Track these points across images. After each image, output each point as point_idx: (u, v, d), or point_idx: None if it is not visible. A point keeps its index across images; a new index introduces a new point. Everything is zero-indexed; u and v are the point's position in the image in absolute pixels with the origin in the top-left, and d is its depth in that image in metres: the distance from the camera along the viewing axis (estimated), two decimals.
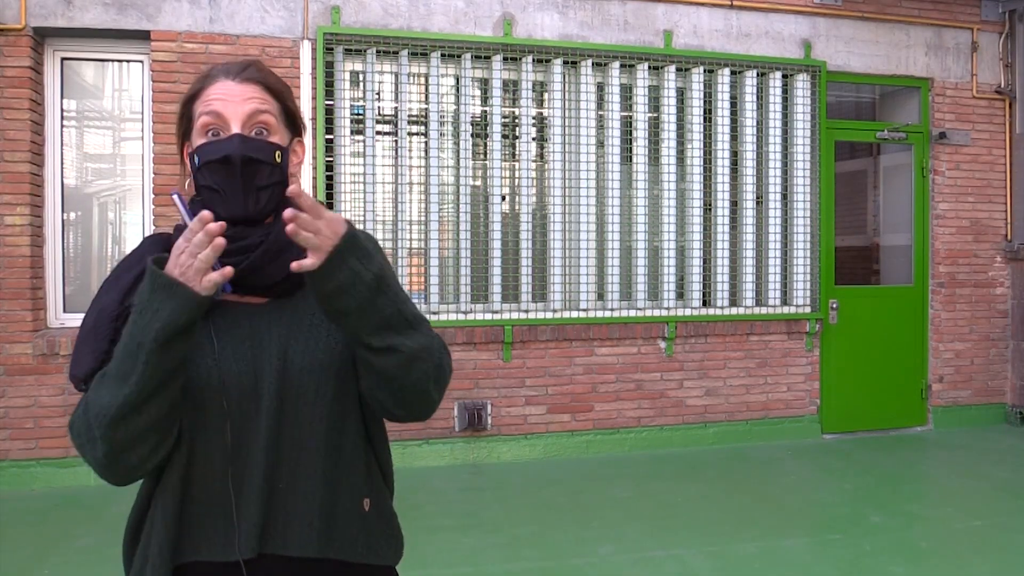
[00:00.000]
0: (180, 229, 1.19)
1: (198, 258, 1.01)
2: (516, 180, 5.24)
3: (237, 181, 1.11)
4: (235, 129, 1.13)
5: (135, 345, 1.01)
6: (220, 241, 1.01)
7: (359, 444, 1.21)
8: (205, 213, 1.01)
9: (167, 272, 1.02)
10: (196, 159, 1.14)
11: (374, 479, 1.24)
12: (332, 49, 4.81)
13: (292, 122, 1.22)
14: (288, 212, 1.00)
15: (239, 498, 1.11)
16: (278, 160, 1.15)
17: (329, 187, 4.77)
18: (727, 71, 5.41)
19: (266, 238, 1.14)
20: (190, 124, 1.17)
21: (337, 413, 1.17)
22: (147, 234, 4.70)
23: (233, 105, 1.13)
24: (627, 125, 5.30)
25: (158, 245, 1.20)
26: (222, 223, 1.02)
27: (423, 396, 1.17)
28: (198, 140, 1.15)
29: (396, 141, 4.98)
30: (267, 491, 1.11)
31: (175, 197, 1.09)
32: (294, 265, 1.03)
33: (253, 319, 1.16)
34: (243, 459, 1.11)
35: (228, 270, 1.03)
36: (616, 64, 5.19)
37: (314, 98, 4.71)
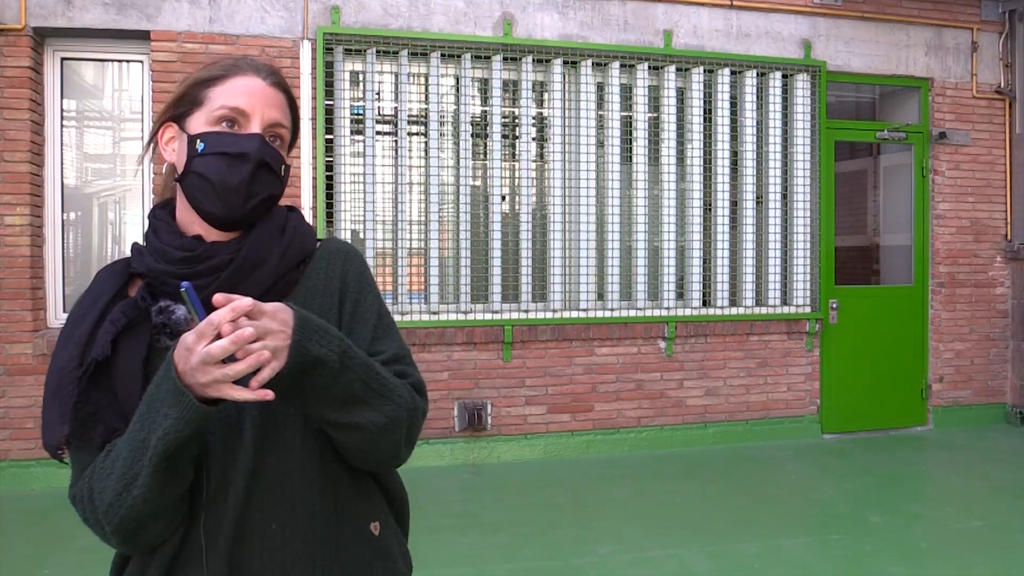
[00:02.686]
0: (137, 249, 1.11)
1: (223, 372, 0.88)
2: (516, 180, 5.24)
3: (244, 181, 1.05)
4: (256, 129, 1.08)
5: (140, 442, 0.94)
6: (264, 356, 0.89)
7: (358, 469, 1.13)
8: (243, 303, 0.88)
9: (184, 371, 0.90)
10: (201, 144, 1.06)
11: (380, 501, 1.17)
12: (332, 49, 4.81)
13: (293, 139, 1.18)
14: (229, 330, 0.87)
15: (217, 539, 1.02)
16: (282, 174, 1.12)
17: (329, 187, 4.77)
18: (727, 71, 5.41)
19: (236, 255, 1.06)
20: (193, 106, 1.10)
21: (326, 440, 1.07)
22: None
23: (260, 106, 1.09)
24: (627, 125, 5.30)
25: (113, 275, 1.10)
26: (247, 304, 0.88)
27: (390, 462, 1.12)
28: (208, 127, 1.07)
29: (396, 141, 4.98)
30: (253, 531, 1.03)
31: (186, 289, 0.90)
32: (253, 384, 0.90)
33: None
34: (222, 497, 1.03)
35: (267, 394, 0.90)
36: (616, 64, 5.19)
37: (314, 98, 4.71)
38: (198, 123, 1.08)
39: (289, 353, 0.92)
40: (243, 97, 1.08)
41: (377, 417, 1.03)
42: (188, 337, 0.90)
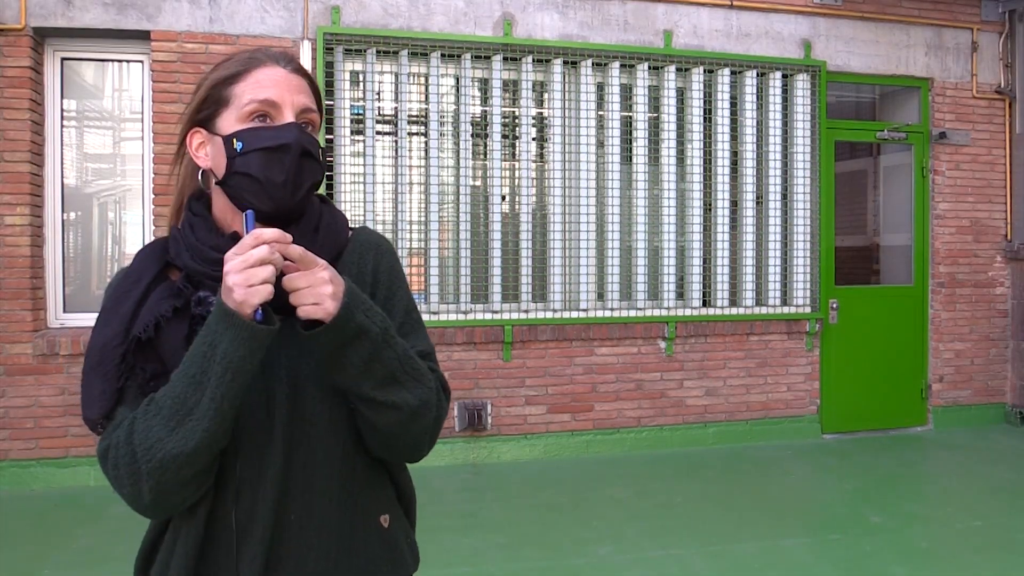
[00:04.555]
0: (175, 237, 1.11)
1: (248, 273, 0.94)
2: (516, 180, 5.24)
3: (289, 171, 1.04)
4: (289, 118, 1.07)
5: (191, 376, 0.96)
6: (278, 255, 0.96)
7: (374, 463, 1.16)
8: (267, 232, 0.95)
9: (229, 293, 0.94)
10: (239, 144, 1.04)
11: (391, 495, 1.21)
12: (332, 49, 4.81)
13: (321, 122, 1.17)
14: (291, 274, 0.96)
15: (246, 532, 1.05)
16: (321, 159, 1.11)
17: (329, 187, 4.77)
18: (727, 71, 5.41)
19: None
20: (219, 107, 1.08)
21: (351, 437, 1.11)
22: (147, 237, 4.73)
23: (289, 94, 1.07)
24: (627, 125, 5.30)
25: (153, 257, 1.12)
26: (282, 234, 0.96)
27: (415, 450, 1.15)
28: (241, 124, 1.06)
29: (396, 141, 4.98)
30: (277, 523, 1.06)
31: (247, 215, 0.99)
32: (302, 311, 0.97)
33: None
34: (251, 491, 1.05)
35: (285, 236, 0.98)
36: (616, 64, 5.19)
37: None
38: (229, 123, 1.07)
39: (337, 311, 0.97)
40: (271, 88, 1.07)
41: (411, 399, 1.07)
42: (230, 252, 0.95)
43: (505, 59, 5.06)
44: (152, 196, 4.62)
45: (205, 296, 1.06)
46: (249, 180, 1.04)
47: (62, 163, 4.69)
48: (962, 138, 5.93)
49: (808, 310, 5.61)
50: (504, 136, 5.20)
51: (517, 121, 5.20)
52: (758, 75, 5.53)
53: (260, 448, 1.05)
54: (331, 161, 4.81)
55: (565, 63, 5.16)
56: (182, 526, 1.06)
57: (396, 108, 4.97)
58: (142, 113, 4.77)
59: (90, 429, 1.04)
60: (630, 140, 5.29)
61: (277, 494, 1.05)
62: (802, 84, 5.57)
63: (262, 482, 1.05)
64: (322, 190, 4.70)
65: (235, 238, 1.06)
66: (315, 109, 1.11)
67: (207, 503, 1.05)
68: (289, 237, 0.97)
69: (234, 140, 1.05)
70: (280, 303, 1.00)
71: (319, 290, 0.97)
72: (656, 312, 5.28)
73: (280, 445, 1.06)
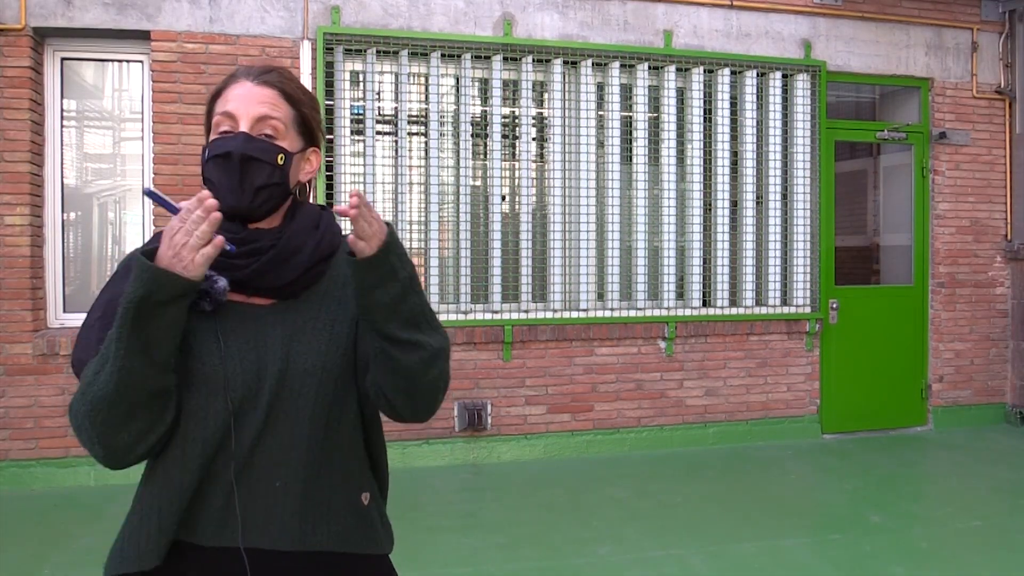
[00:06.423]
0: None
1: (194, 235, 1.04)
2: (516, 180, 5.24)
3: (234, 177, 1.16)
4: (243, 128, 1.18)
5: (111, 331, 1.06)
6: (216, 215, 1.06)
7: (356, 443, 1.27)
8: (204, 192, 1.07)
9: (159, 256, 1.06)
10: (207, 153, 1.20)
11: (370, 476, 1.31)
12: (332, 49, 4.81)
13: (308, 130, 1.26)
14: (353, 200, 1.05)
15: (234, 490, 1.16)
16: (280, 163, 1.19)
17: (329, 187, 4.77)
18: (727, 71, 5.41)
19: (277, 242, 1.19)
20: (210, 121, 1.23)
21: (334, 414, 1.22)
22: (148, 237, 4.73)
23: (245, 106, 1.19)
24: (627, 125, 5.30)
25: None
26: (215, 202, 1.07)
27: (432, 397, 1.22)
28: (211, 137, 1.21)
29: (396, 141, 4.98)
30: (261, 489, 1.16)
31: (148, 192, 1.09)
32: (338, 209, 1.10)
33: (258, 320, 1.20)
34: (245, 453, 1.16)
35: (219, 240, 1.07)
36: (616, 64, 5.19)
37: None
38: (212, 135, 1.23)
39: (378, 247, 1.09)
40: (231, 102, 1.20)
41: (431, 341, 1.18)
42: (174, 221, 1.06)
43: (505, 59, 5.06)
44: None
45: (210, 275, 1.15)
46: (210, 185, 1.18)
47: (62, 163, 4.68)
48: (962, 138, 5.93)
49: (808, 310, 5.61)
50: (504, 136, 5.20)
51: (517, 121, 5.20)
52: (758, 75, 5.53)
53: (248, 417, 1.16)
54: (331, 161, 4.81)
55: (565, 63, 5.16)
56: (174, 471, 1.15)
57: (396, 108, 4.97)
58: (142, 113, 4.77)
59: (73, 372, 1.14)
60: (630, 140, 5.29)
61: (263, 461, 1.16)
62: (802, 84, 5.57)
63: (247, 448, 1.15)
64: (321, 190, 4.70)
65: (243, 224, 1.21)
66: (276, 116, 1.20)
67: (200, 455, 1.14)
68: (211, 202, 1.07)
69: (205, 150, 1.21)
70: (277, 285, 1.19)
71: (373, 231, 1.09)
72: (656, 312, 5.28)
73: (267, 415, 1.16)
